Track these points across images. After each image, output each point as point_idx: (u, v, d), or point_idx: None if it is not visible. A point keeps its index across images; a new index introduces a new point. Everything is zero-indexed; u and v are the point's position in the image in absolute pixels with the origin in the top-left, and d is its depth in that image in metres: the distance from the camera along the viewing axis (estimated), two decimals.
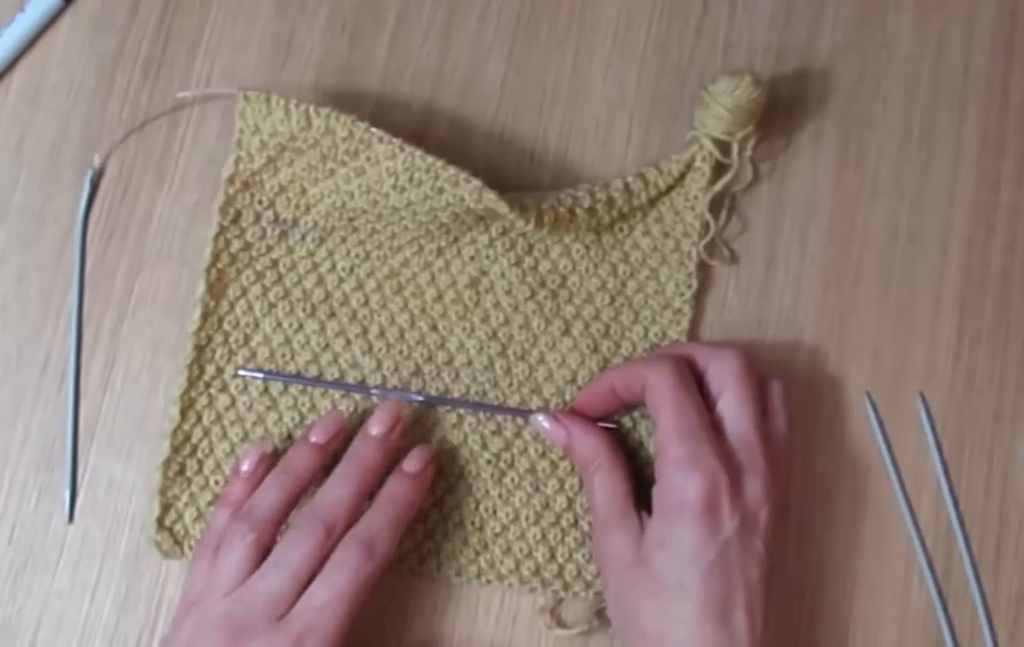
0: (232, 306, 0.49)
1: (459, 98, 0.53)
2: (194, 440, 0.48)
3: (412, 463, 0.46)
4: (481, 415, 0.49)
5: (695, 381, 0.46)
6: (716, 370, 0.46)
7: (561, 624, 0.48)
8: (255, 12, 0.53)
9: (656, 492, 0.44)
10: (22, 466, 0.49)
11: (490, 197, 0.46)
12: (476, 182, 0.46)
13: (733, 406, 0.45)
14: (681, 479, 0.43)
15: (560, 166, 0.53)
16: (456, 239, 0.50)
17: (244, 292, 0.49)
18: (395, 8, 0.54)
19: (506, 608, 0.48)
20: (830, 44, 0.54)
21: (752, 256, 0.52)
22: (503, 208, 0.46)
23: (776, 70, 0.53)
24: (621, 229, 0.51)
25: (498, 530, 0.48)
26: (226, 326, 0.49)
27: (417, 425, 0.49)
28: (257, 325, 0.49)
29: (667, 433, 0.44)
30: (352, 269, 0.50)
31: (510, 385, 0.50)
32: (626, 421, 0.49)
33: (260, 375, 0.49)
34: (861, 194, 0.53)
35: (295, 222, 0.50)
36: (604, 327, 0.50)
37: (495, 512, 0.48)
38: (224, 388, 0.49)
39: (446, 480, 0.48)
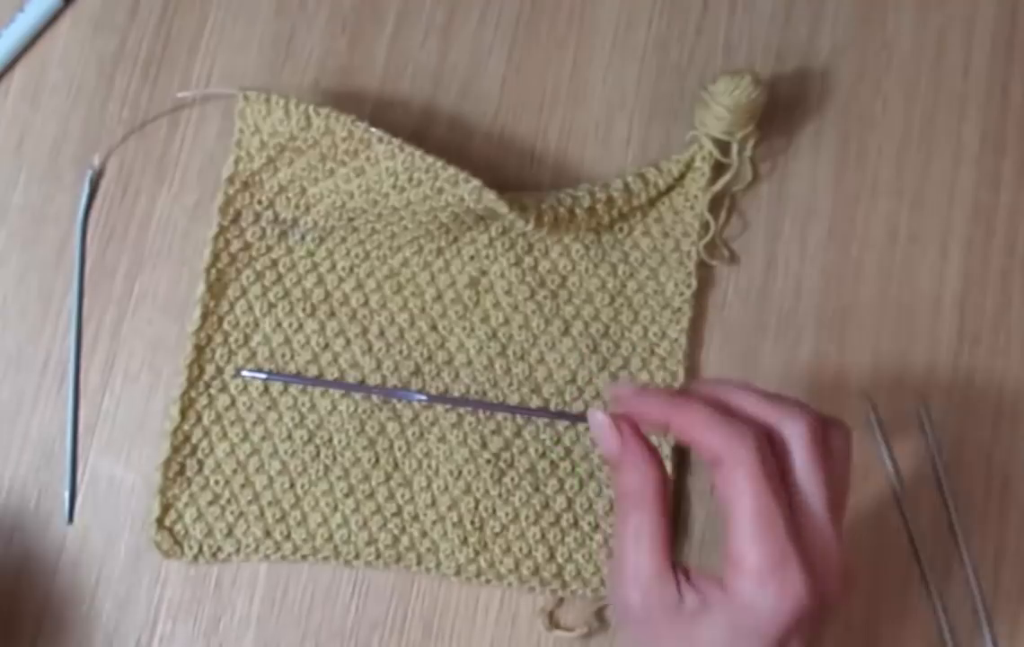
0: (232, 306, 0.49)
1: (459, 98, 0.53)
2: (194, 440, 0.48)
3: None
4: (481, 414, 0.49)
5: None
6: (785, 430, 0.38)
7: (560, 626, 0.48)
8: (255, 12, 0.53)
9: (721, 591, 0.38)
10: (22, 466, 0.49)
11: (490, 197, 0.46)
12: (476, 182, 0.46)
13: (807, 482, 0.38)
14: (759, 598, 0.36)
15: (560, 166, 0.53)
16: (456, 239, 0.50)
17: (244, 292, 0.49)
18: (395, 8, 0.54)
19: (506, 608, 0.48)
20: (830, 44, 0.54)
21: (752, 256, 0.52)
22: (503, 208, 0.46)
23: (776, 70, 0.53)
24: (621, 229, 0.51)
25: (497, 530, 0.48)
26: (226, 326, 0.49)
27: (416, 424, 0.49)
28: (257, 325, 0.49)
29: (745, 535, 0.37)
30: (352, 269, 0.50)
31: (510, 385, 0.50)
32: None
33: (261, 376, 0.49)
34: (861, 194, 0.53)
35: (295, 222, 0.50)
36: (603, 327, 0.50)
37: (494, 511, 0.48)
38: (224, 388, 0.49)
39: (444, 479, 0.48)
